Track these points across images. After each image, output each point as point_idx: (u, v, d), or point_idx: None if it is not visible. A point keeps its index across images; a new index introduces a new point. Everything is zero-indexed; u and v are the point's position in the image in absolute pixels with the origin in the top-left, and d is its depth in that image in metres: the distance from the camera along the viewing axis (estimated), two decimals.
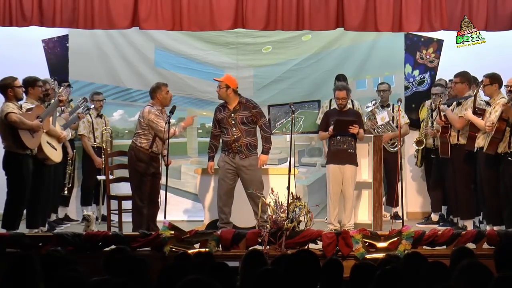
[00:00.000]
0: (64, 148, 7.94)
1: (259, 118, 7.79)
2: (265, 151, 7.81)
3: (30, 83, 7.41)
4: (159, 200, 7.69)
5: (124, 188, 8.44)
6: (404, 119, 8.81)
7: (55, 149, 7.49)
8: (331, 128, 7.86)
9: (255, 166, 7.70)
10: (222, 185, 7.71)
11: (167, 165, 7.57)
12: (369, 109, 8.87)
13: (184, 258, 4.67)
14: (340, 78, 8.87)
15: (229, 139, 7.68)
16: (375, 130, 8.72)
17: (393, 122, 8.73)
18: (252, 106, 7.76)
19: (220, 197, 7.71)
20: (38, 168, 7.31)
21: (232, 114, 7.69)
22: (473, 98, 7.71)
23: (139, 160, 7.56)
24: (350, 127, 7.82)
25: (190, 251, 6.13)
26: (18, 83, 7.25)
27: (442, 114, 8.00)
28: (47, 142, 7.37)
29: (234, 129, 7.68)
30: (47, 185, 7.53)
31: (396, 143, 8.61)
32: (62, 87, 7.81)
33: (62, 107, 8.13)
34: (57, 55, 9.30)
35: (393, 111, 8.78)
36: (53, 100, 7.72)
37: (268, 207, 6.98)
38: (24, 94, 7.37)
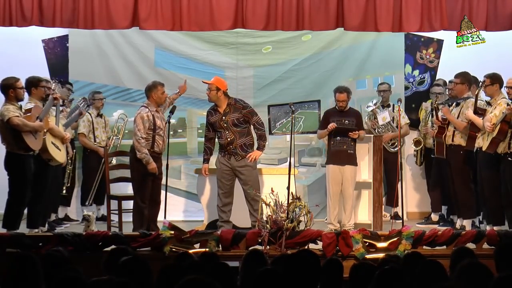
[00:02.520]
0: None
1: (251, 117, 7.74)
2: (261, 148, 7.77)
3: (34, 83, 7.40)
4: (160, 200, 7.69)
5: (124, 188, 8.44)
6: (405, 120, 8.81)
7: (59, 150, 7.48)
8: (330, 125, 7.85)
9: (251, 167, 7.69)
10: (220, 186, 7.70)
11: (167, 165, 7.58)
12: (370, 108, 8.88)
13: (185, 258, 4.66)
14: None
15: (223, 142, 7.68)
16: (376, 130, 8.72)
17: (393, 122, 8.74)
18: (241, 107, 7.72)
19: (219, 197, 7.71)
20: (41, 168, 7.31)
21: (224, 117, 7.66)
22: (472, 99, 7.71)
23: (139, 161, 7.55)
24: (350, 133, 7.85)
25: (190, 251, 6.13)
26: (20, 84, 7.24)
27: (440, 115, 7.99)
28: (52, 143, 7.37)
29: (227, 132, 7.66)
30: (49, 185, 7.53)
31: (396, 143, 8.62)
32: (54, 84, 7.75)
33: (62, 107, 8.11)
34: (57, 55, 9.30)
35: (393, 111, 8.79)
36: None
37: (267, 207, 6.98)
38: (26, 94, 7.37)
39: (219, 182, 7.70)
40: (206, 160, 7.81)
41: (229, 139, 7.65)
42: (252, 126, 7.79)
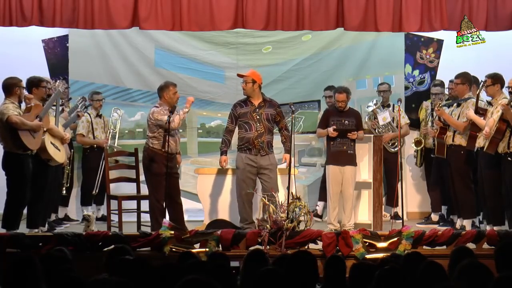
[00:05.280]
0: None
1: (282, 118, 7.81)
2: (288, 150, 7.77)
3: (35, 83, 7.41)
4: (181, 200, 7.69)
5: (124, 188, 8.44)
6: (405, 120, 8.81)
7: (59, 150, 7.48)
8: (331, 129, 7.85)
9: (274, 166, 7.65)
10: (243, 187, 7.56)
11: (167, 166, 7.56)
12: (370, 108, 8.87)
13: (187, 257, 4.65)
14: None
15: (252, 135, 7.62)
16: (376, 130, 8.72)
17: (393, 122, 8.74)
18: (277, 105, 7.79)
19: (241, 198, 7.58)
20: (41, 168, 7.30)
21: (257, 110, 7.66)
22: (473, 99, 7.71)
23: (151, 161, 7.52)
24: (349, 134, 7.84)
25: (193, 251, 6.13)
26: (23, 84, 7.27)
27: (441, 117, 7.98)
28: (51, 143, 7.36)
29: (259, 124, 7.63)
30: (49, 185, 7.53)
31: (396, 143, 8.61)
32: (58, 81, 7.72)
33: (61, 107, 8.11)
34: (57, 55, 9.30)
35: (393, 111, 8.79)
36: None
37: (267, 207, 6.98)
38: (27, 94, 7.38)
39: (242, 183, 7.57)
40: (225, 152, 7.75)
41: (259, 132, 7.61)
42: (279, 128, 7.81)
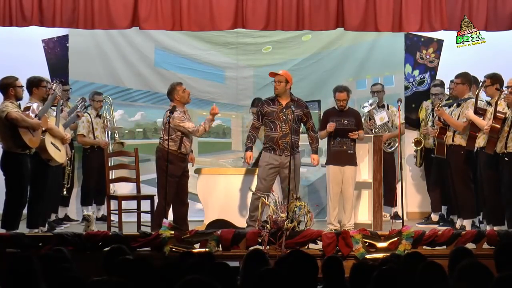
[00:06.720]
0: None
1: (309, 118, 7.79)
2: (316, 151, 7.83)
3: (35, 83, 7.41)
4: (187, 200, 7.72)
5: (124, 188, 8.43)
6: (400, 119, 8.80)
7: (59, 150, 7.48)
8: (329, 126, 7.82)
9: (298, 166, 7.63)
10: (259, 186, 7.56)
11: (167, 166, 7.56)
12: (366, 109, 8.87)
13: (187, 257, 4.65)
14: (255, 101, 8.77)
15: (276, 135, 7.60)
16: (373, 131, 8.72)
17: (389, 123, 8.76)
18: (304, 106, 7.77)
19: (255, 196, 7.54)
20: (41, 168, 7.30)
21: (284, 110, 7.64)
22: (473, 99, 7.71)
23: (169, 162, 7.46)
24: (350, 134, 7.84)
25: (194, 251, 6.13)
26: (20, 83, 7.26)
27: (441, 117, 7.98)
28: (51, 143, 7.36)
29: (284, 124, 7.61)
30: (49, 185, 7.53)
31: (392, 144, 8.63)
32: (55, 85, 7.73)
33: (62, 107, 8.11)
34: (57, 55, 9.30)
35: (388, 110, 8.81)
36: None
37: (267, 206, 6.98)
38: (27, 94, 7.38)
39: (263, 181, 7.56)
40: (250, 148, 7.74)
41: (283, 132, 7.59)
42: (306, 128, 7.80)
